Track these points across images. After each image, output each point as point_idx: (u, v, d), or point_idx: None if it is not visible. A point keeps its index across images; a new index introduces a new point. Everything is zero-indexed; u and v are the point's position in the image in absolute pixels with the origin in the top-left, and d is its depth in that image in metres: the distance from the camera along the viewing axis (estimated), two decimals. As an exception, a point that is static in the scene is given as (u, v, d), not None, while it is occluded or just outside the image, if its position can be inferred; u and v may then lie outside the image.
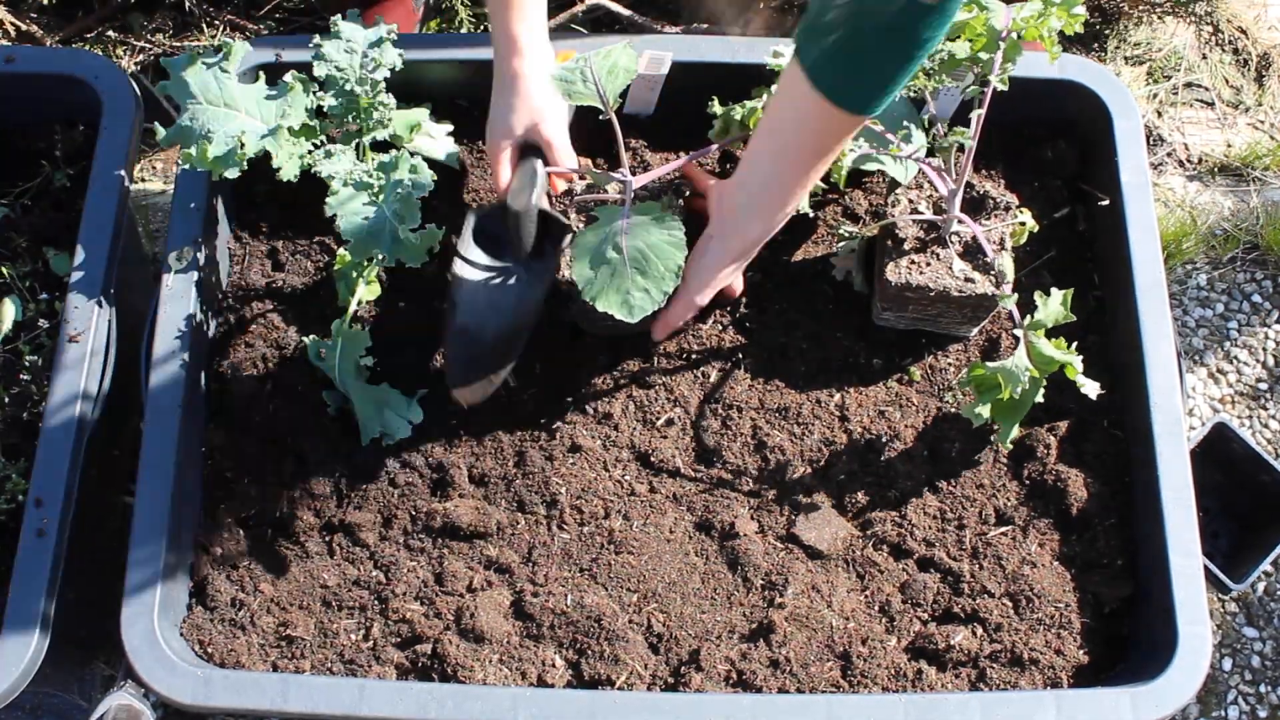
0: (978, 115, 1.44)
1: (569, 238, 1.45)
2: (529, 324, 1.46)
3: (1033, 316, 1.36)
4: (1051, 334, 1.38)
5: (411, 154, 1.62)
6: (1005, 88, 1.44)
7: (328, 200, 1.42)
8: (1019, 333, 1.37)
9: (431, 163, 1.66)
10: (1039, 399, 1.38)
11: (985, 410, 1.39)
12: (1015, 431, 1.43)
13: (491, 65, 1.50)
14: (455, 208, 1.66)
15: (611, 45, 1.46)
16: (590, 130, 1.57)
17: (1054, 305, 1.36)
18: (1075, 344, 1.42)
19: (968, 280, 1.48)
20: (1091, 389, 1.37)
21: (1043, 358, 1.35)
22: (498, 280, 1.47)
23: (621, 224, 1.37)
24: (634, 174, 1.43)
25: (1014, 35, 1.44)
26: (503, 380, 1.47)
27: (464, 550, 1.49)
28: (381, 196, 1.43)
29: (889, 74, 1.22)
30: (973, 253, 1.50)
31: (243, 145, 1.42)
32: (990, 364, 1.38)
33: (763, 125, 1.40)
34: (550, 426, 1.55)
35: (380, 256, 1.48)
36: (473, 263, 1.46)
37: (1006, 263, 1.49)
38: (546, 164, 1.48)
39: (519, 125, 1.48)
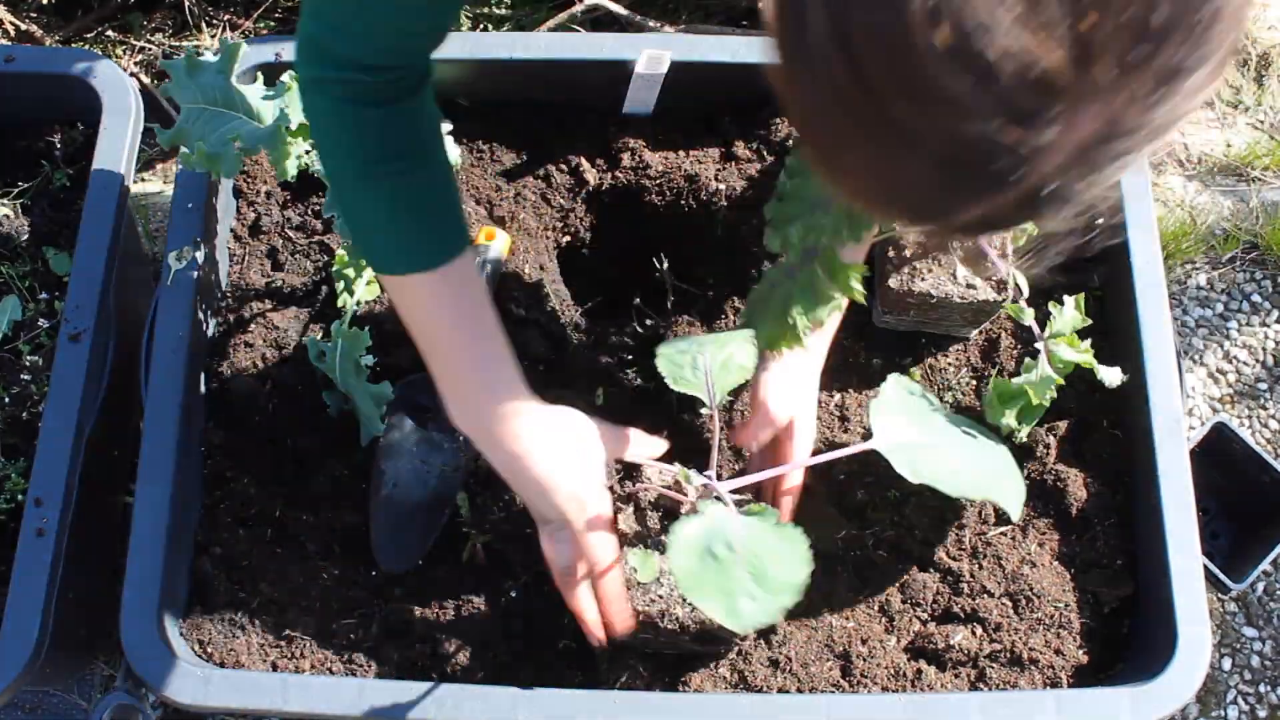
0: None
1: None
2: (453, 495, 1.49)
3: (1051, 326, 1.39)
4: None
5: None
6: None
7: (325, 201, 1.42)
8: (1040, 345, 1.40)
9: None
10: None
11: (1012, 419, 1.42)
12: (1030, 426, 1.46)
13: (492, 65, 1.49)
14: (455, 208, 1.66)
15: (731, 336, 1.29)
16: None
17: (1069, 312, 1.39)
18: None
19: (969, 287, 1.49)
20: (1112, 377, 1.39)
21: (1063, 363, 1.38)
22: (424, 451, 1.51)
23: (735, 522, 1.14)
24: (720, 477, 1.23)
25: None
26: (427, 549, 1.48)
27: (462, 548, 1.49)
28: None
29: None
30: (974, 258, 1.51)
31: (240, 147, 1.42)
32: (1016, 380, 1.41)
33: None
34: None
35: None
36: (400, 432, 1.51)
37: (1020, 277, 1.49)
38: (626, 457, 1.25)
39: (600, 478, 1.19)
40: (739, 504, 1.17)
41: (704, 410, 1.30)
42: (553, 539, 1.20)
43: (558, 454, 1.16)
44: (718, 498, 1.12)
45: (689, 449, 1.42)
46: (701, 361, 1.26)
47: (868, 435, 1.53)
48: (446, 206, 1.12)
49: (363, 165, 1.07)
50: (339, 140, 1.08)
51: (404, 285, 1.12)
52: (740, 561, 1.10)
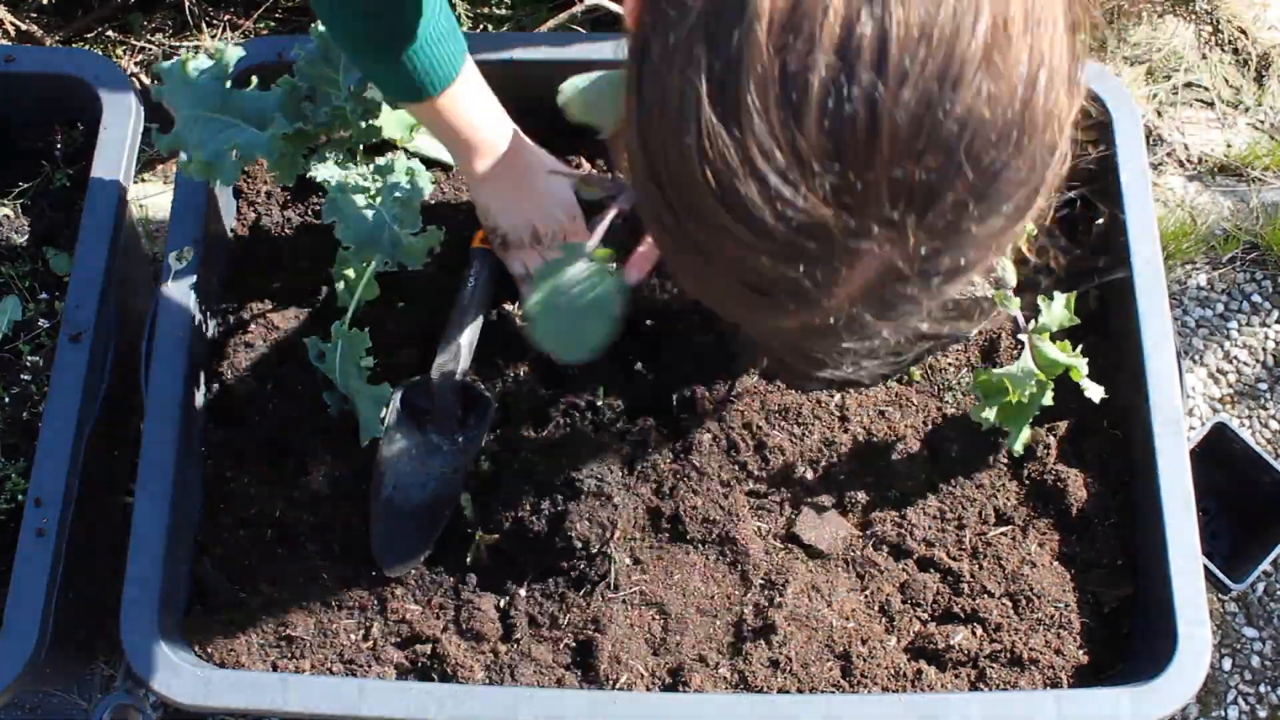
0: None
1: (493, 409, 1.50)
2: (453, 497, 1.50)
3: (1037, 321, 1.37)
4: (1055, 336, 1.38)
5: (410, 154, 1.62)
6: None
7: (324, 205, 1.42)
8: (1024, 337, 1.38)
9: (430, 162, 1.66)
10: (1045, 399, 1.38)
11: (991, 414, 1.40)
12: (1026, 434, 1.44)
13: (492, 65, 1.49)
14: (454, 207, 1.66)
15: (622, 71, 1.45)
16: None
17: (1058, 309, 1.37)
18: (1075, 344, 1.42)
19: (968, 284, 1.48)
20: (1095, 393, 1.37)
21: (1048, 361, 1.36)
22: (424, 454, 1.51)
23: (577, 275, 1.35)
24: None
25: None
26: (427, 551, 1.49)
27: (462, 548, 1.49)
28: (379, 200, 1.43)
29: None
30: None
31: (236, 154, 1.42)
32: (996, 370, 1.38)
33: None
34: (546, 419, 1.55)
35: (381, 259, 1.48)
36: (400, 436, 1.51)
37: (1009, 269, 1.48)
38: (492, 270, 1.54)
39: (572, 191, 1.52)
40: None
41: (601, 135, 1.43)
42: (515, 257, 1.52)
43: (551, 192, 1.49)
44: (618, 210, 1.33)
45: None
46: (599, 91, 1.43)
47: (869, 435, 1.54)
48: (435, 47, 1.26)
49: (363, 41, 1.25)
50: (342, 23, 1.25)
51: (408, 108, 1.36)
52: (568, 303, 1.29)
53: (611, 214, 1.28)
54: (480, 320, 1.53)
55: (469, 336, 1.51)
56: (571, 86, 1.46)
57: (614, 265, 1.33)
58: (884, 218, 0.65)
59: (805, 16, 0.63)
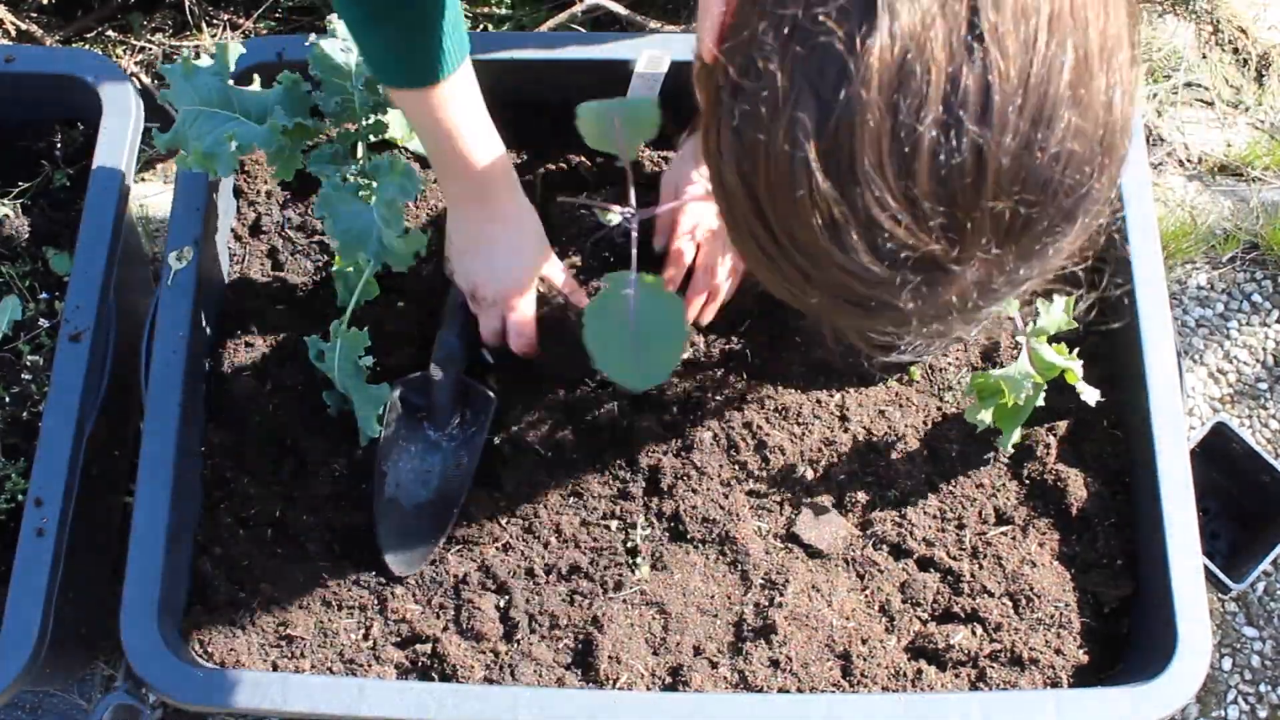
0: None
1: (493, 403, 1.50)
2: (458, 494, 1.49)
3: (1035, 323, 1.37)
4: (1053, 337, 1.38)
5: (411, 154, 1.63)
6: None
7: (317, 200, 1.42)
8: (1022, 339, 1.38)
9: (428, 163, 1.66)
10: (1039, 400, 1.38)
11: (987, 416, 1.41)
12: (1016, 435, 1.44)
13: (493, 65, 1.50)
14: (455, 208, 1.66)
15: (639, 97, 1.49)
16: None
17: (1056, 312, 1.37)
18: (1075, 345, 1.42)
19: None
20: (1090, 396, 1.38)
21: (1045, 364, 1.36)
22: (423, 451, 1.51)
23: (632, 295, 1.33)
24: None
25: None
26: (434, 551, 1.47)
27: (462, 548, 1.49)
28: (373, 199, 1.43)
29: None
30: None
31: (234, 145, 1.42)
32: (994, 371, 1.39)
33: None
34: (545, 422, 1.55)
35: (366, 259, 1.48)
36: (398, 434, 1.51)
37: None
38: (563, 298, 1.51)
39: (534, 271, 1.48)
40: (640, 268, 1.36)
41: (619, 163, 1.42)
42: (485, 313, 1.49)
43: (508, 256, 1.45)
44: (628, 232, 1.33)
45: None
46: (614, 121, 1.42)
47: (869, 435, 1.54)
48: (430, 37, 1.24)
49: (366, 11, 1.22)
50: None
51: (401, 98, 1.31)
52: (632, 332, 1.29)
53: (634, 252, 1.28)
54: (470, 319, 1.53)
55: (463, 332, 1.51)
56: (587, 110, 1.45)
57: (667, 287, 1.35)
58: (985, 247, 0.72)
59: (911, 75, 0.67)
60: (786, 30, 0.70)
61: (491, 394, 1.51)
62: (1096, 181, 0.72)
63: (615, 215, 1.57)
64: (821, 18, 0.68)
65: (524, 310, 1.47)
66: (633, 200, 1.47)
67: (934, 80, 0.67)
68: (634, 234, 1.39)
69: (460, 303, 1.52)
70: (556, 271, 1.50)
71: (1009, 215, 0.70)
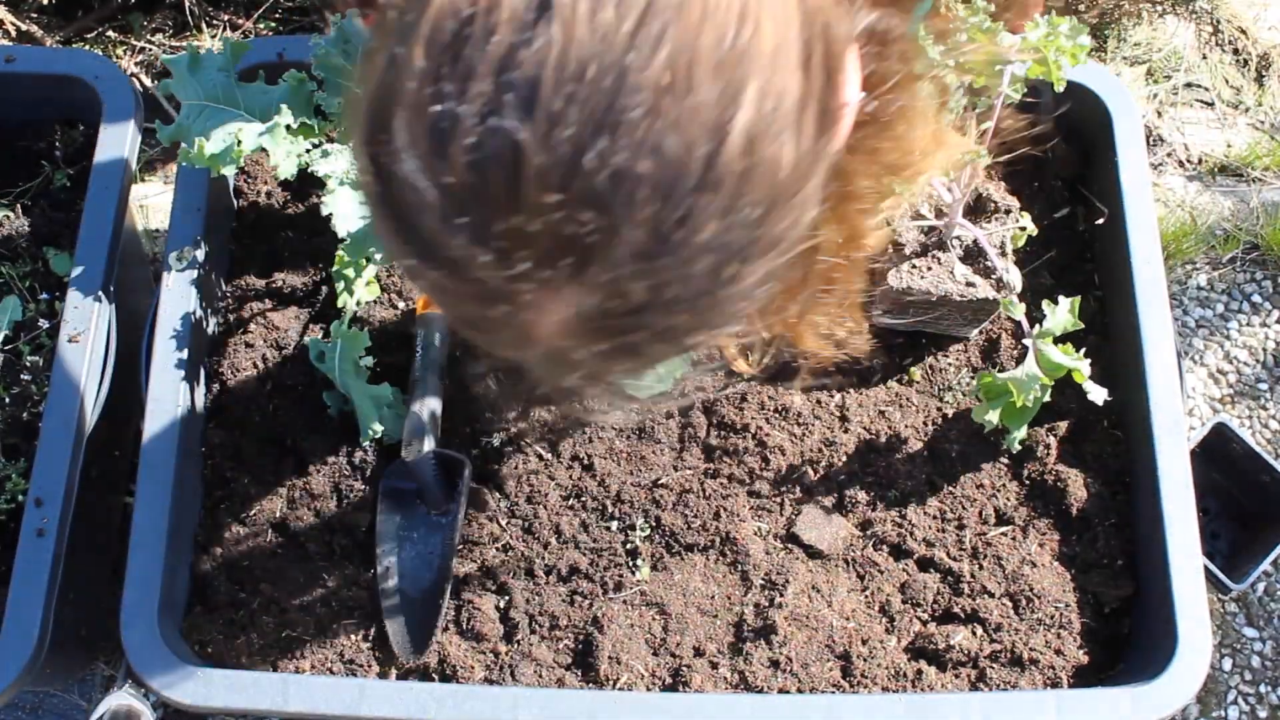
0: (987, 128, 1.43)
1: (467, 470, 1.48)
2: (451, 563, 1.47)
3: (1041, 325, 1.37)
4: (1058, 338, 1.39)
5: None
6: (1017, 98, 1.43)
7: (323, 199, 1.42)
8: (1028, 341, 1.38)
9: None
10: (1045, 397, 1.38)
11: (995, 416, 1.41)
12: (1022, 433, 1.44)
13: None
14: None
15: None
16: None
17: (1062, 314, 1.38)
18: (1076, 345, 1.42)
19: (969, 285, 1.48)
20: (1098, 395, 1.38)
21: (1051, 365, 1.37)
22: (425, 534, 1.50)
23: None
24: None
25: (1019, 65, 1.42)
26: (441, 626, 1.45)
27: (462, 549, 1.49)
28: None
29: None
30: (974, 256, 1.50)
31: (239, 143, 1.42)
32: (1000, 374, 1.39)
33: None
34: (545, 422, 1.54)
35: (376, 257, 1.48)
36: (395, 528, 1.50)
37: (1014, 272, 1.48)
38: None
39: None
40: None
41: None
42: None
43: None
44: None
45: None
46: None
47: (869, 435, 1.54)
48: None
49: None
50: None
51: None
52: None
53: None
54: (439, 386, 1.50)
55: (432, 406, 1.47)
56: None
57: None
58: (541, 268, 0.58)
59: (468, 40, 0.56)
60: None
61: (463, 457, 1.48)
62: (697, 221, 0.58)
63: None
64: None
65: None
66: None
67: (490, 49, 0.55)
68: None
69: (423, 374, 1.49)
70: None
71: (560, 234, 0.57)
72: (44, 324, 1.68)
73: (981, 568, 1.47)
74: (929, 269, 1.50)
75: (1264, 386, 2.12)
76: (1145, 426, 1.46)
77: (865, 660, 1.41)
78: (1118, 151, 1.60)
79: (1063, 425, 1.55)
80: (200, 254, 1.56)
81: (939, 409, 1.56)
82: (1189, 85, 2.38)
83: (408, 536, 1.51)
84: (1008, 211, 1.53)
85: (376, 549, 1.48)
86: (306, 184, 1.66)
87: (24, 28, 2.15)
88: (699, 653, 1.42)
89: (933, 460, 1.54)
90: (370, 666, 1.43)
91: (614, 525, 1.49)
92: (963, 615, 1.45)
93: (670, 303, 0.61)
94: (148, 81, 2.20)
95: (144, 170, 2.24)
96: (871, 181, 0.80)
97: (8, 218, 1.76)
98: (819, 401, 1.56)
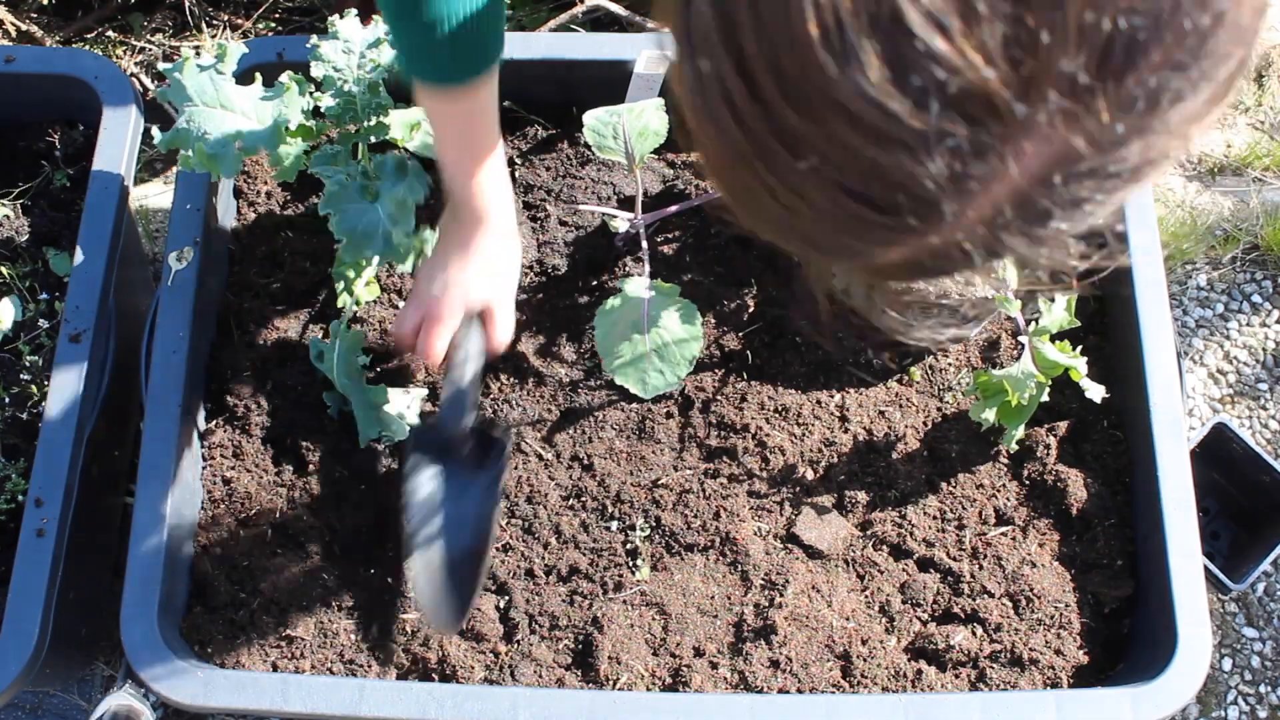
0: None
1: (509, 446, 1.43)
2: (489, 539, 1.40)
3: (1037, 323, 1.37)
4: (1055, 336, 1.39)
5: (410, 154, 1.62)
6: None
7: (322, 199, 1.42)
8: (1024, 339, 1.38)
9: (429, 163, 1.66)
10: (1043, 397, 1.38)
11: (991, 414, 1.41)
12: (1020, 432, 1.44)
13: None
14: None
15: (644, 104, 1.50)
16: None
17: (1058, 311, 1.37)
18: (1075, 345, 1.42)
19: (967, 284, 1.48)
20: (1096, 392, 1.38)
21: (1048, 362, 1.36)
22: (456, 494, 1.42)
23: (645, 304, 1.40)
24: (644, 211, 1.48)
25: None
26: (476, 598, 1.39)
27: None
28: (377, 198, 1.43)
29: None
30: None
31: (239, 146, 1.42)
32: (996, 371, 1.39)
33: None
34: (545, 423, 1.55)
35: (374, 258, 1.48)
36: (427, 480, 1.42)
37: (1011, 270, 1.48)
38: (484, 332, 1.40)
39: (481, 293, 1.36)
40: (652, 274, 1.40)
41: (625, 173, 1.49)
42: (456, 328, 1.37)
43: (492, 277, 1.37)
44: (635, 234, 1.36)
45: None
46: (621, 131, 1.46)
47: (869, 435, 1.54)
48: (455, 42, 1.19)
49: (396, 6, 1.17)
50: None
51: (420, 94, 1.25)
52: (648, 342, 1.33)
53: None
54: (481, 364, 1.41)
55: (472, 379, 1.40)
56: (594, 118, 1.50)
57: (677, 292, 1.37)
58: (1069, 81, 0.47)
59: None
60: None
61: (506, 436, 1.42)
62: (1233, 14, 0.49)
63: (622, 222, 1.57)
64: None
65: (450, 325, 1.35)
66: (639, 208, 1.47)
67: None
68: (644, 241, 1.38)
69: (465, 358, 1.40)
70: (508, 316, 1.39)
71: (1107, 31, 0.46)
72: (44, 324, 1.68)
73: (981, 568, 1.47)
74: (929, 269, 1.49)
75: (1264, 386, 2.12)
76: (1145, 426, 1.46)
77: (865, 660, 1.41)
78: (1118, 151, 1.59)
79: (1063, 425, 1.55)
80: (200, 254, 1.56)
81: (939, 409, 1.56)
82: (1189, 85, 2.38)
83: (440, 492, 1.43)
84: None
85: (403, 503, 1.41)
86: (306, 183, 1.66)
87: (24, 28, 2.15)
88: (699, 653, 1.42)
89: (933, 460, 1.54)
90: (370, 666, 1.43)
91: (614, 525, 1.50)
92: (963, 615, 1.45)
93: (1169, 125, 0.51)
94: (148, 81, 2.20)
95: (144, 170, 2.24)
96: None
97: (8, 218, 1.76)
98: (819, 401, 1.56)
